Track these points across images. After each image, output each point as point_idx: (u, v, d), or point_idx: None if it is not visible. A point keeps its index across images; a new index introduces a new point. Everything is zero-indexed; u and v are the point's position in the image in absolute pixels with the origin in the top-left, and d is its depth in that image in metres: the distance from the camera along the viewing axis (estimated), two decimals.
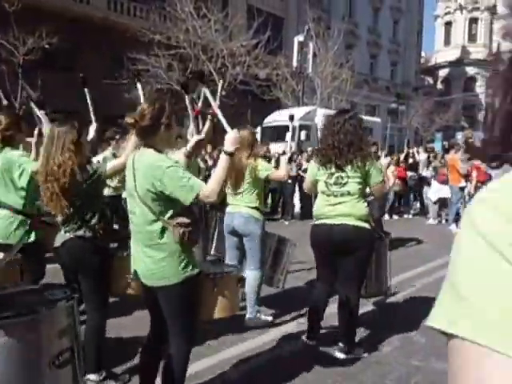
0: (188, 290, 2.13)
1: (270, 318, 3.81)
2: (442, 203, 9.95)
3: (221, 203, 3.33)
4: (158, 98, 2.24)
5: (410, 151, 12.37)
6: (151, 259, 2.11)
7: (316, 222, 3.22)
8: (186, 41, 15.68)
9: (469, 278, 0.36)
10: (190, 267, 2.12)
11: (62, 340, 1.77)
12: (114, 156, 6.20)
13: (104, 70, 15.92)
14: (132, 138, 2.40)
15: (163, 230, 2.06)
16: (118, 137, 6.08)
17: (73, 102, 15.97)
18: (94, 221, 2.63)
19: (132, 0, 18.73)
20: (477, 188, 8.51)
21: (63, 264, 2.82)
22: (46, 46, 13.39)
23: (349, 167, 2.99)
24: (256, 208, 3.65)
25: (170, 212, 2.06)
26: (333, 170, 3.06)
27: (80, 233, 2.62)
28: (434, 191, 10.20)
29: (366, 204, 3.12)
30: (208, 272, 2.36)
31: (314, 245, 3.27)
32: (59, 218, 2.64)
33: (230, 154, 2.10)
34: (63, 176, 2.48)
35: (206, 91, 2.42)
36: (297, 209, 10.80)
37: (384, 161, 6.75)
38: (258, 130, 14.71)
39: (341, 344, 3.22)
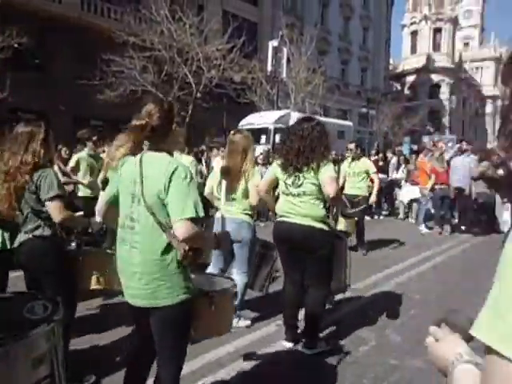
0: (184, 313, 1.95)
1: (248, 322, 3.81)
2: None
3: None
4: (162, 98, 2.15)
5: (380, 155, 12.77)
6: (148, 276, 1.88)
7: (278, 219, 3.33)
8: (161, 43, 15.63)
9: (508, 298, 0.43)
10: (189, 289, 1.95)
11: (38, 369, 1.57)
12: (91, 157, 6.14)
13: (76, 70, 15.69)
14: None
15: (168, 245, 1.86)
16: (95, 138, 6.04)
17: (41, 101, 15.67)
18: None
19: (106, 1, 18.56)
20: (434, 189, 8.76)
21: (21, 265, 2.67)
22: (16, 46, 13.08)
23: (305, 168, 3.10)
24: (249, 214, 3.65)
25: None
26: (291, 171, 3.17)
27: (39, 232, 2.53)
28: (405, 193, 10.57)
29: (322, 205, 3.18)
30: (205, 289, 2.16)
31: (276, 241, 3.38)
32: (20, 219, 2.55)
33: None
34: (21, 176, 2.44)
35: None
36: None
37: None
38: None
39: (304, 340, 3.32)
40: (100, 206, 2.14)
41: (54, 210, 2.47)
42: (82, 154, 6.01)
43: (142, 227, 1.89)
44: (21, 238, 2.57)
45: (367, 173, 6.78)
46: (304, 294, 3.37)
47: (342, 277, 3.84)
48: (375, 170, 6.96)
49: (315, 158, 3.08)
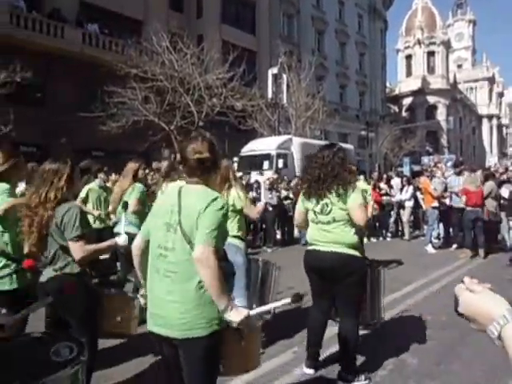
0: (215, 345, 1.89)
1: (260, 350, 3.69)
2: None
3: None
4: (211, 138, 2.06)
5: (384, 177, 12.74)
6: (182, 305, 1.84)
7: (308, 248, 3.27)
8: (162, 74, 15.84)
9: None
10: (221, 320, 1.87)
11: None
12: (102, 188, 6.12)
13: (78, 103, 15.85)
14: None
15: None
16: (106, 168, 6.07)
17: (43, 135, 15.73)
18: None
19: (107, 35, 18.93)
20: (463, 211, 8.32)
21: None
22: (18, 80, 13.22)
23: (333, 194, 3.05)
24: (236, 236, 3.57)
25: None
26: (316, 198, 3.13)
27: (68, 269, 2.53)
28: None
29: (354, 231, 3.10)
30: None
31: (307, 270, 3.31)
32: (46, 257, 2.55)
33: None
34: (45, 212, 2.46)
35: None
36: (277, 236, 10.85)
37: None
38: (236, 159, 14.85)
39: (343, 373, 3.18)
40: (137, 242, 2.07)
41: (76, 250, 2.48)
42: (93, 185, 5.98)
43: (178, 256, 1.87)
44: (49, 273, 2.54)
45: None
46: (326, 320, 3.33)
47: (376, 307, 3.76)
48: (370, 192, 7.14)
49: (340, 185, 3.04)
